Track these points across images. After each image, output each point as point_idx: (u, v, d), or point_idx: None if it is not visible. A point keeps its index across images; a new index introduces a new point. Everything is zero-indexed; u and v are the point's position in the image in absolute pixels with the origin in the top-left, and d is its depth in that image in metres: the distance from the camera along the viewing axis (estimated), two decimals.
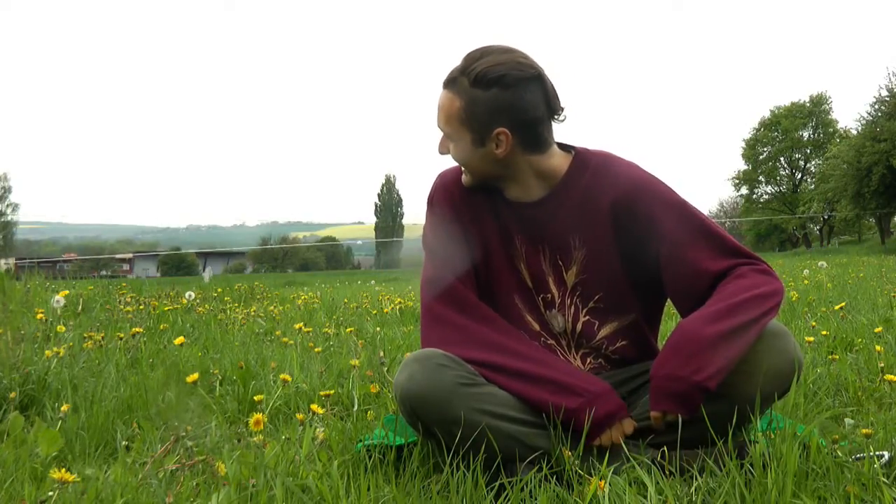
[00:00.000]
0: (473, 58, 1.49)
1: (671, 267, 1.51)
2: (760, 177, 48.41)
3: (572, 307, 1.59)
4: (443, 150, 1.57)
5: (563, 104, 1.53)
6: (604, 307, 1.58)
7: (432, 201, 1.64)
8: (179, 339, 2.70)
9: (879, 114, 31.58)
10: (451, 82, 1.50)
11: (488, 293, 1.62)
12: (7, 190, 53.80)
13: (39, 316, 3.55)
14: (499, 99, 1.46)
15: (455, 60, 1.53)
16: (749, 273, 1.46)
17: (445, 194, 1.63)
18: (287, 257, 68.56)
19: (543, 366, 1.48)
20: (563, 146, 1.60)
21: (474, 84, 1.47)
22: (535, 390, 1.45)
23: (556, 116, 1.54)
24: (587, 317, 1.59)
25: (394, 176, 77.50)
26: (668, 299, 1.62)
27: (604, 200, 1.54)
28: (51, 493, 1.25)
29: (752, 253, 1.52)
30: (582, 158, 1.58)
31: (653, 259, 1.53)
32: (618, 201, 1.53)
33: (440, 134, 1.56)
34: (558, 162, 1.57)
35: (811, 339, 2.69)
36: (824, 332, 2.89)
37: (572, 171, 1.57)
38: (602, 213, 1.54)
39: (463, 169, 1.59)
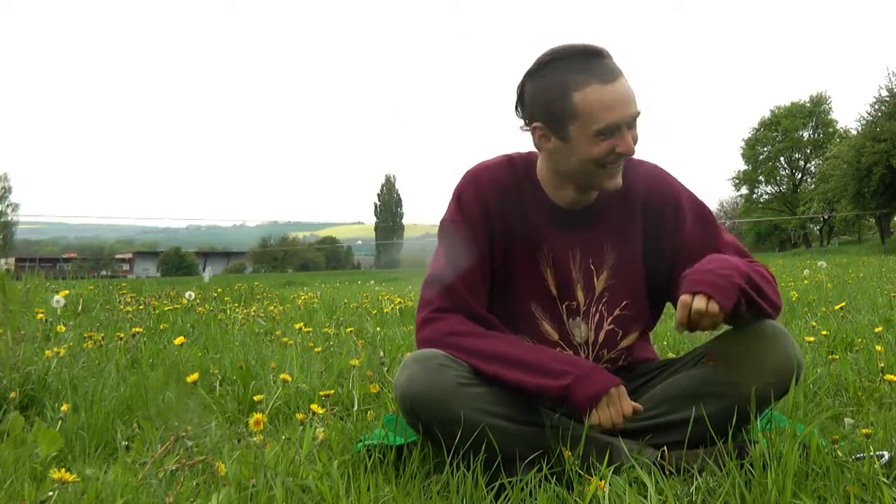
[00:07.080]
0: (605, 51, 1.44)
1: (686, 265, 1.46)
2: (760, 177, 48.44)
3: (597, 315, 1.57)
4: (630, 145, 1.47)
5: None
6: (629, 315, 1.58)
7: (461, 196, 1.57)
8: (179, 339, 2.70)
9: (879, 114, 31.59)
10: (621, 72, 1.44)
11: (505, 299, 1.58)
12: (7, 190, 53.80)
13: (39, 316, 3.55)
14: None
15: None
16: (761, 267, 1.49)
17: (476, 191, 1.56)
18: (287, 257, 68.52)
19: (529, 351, 1.46)
20: None
21: None
22: (518, 374, 1.41)
23: None
24: (611, 325, 1.58)
25: (394, 176, 77.62)
26: (670, 301, 1.60)
27: (637, 203, 1.58)
28: (51, 493, 1.25)
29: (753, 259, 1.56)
30: None
31: (668, 260, 1.55)
32: (648, 203, 1.58)
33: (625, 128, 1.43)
34: None
35: (811, 339, 2.69)
36: (824, 332, 2.88)
37: None
38: (636, 215, 1.58)
39: (611, 162, 1.46)
